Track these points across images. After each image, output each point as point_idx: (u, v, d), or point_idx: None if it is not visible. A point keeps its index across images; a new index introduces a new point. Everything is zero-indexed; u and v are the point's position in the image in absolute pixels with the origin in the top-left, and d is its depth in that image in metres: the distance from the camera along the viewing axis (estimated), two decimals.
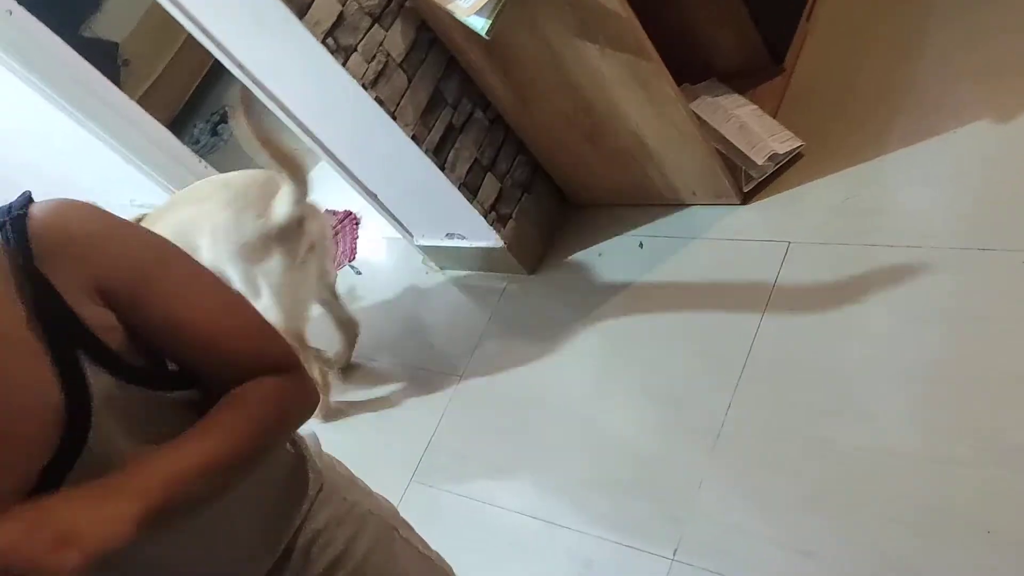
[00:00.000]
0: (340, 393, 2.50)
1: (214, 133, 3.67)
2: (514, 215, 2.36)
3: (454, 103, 2.18)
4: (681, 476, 1.81)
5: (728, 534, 1.68)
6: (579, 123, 2.15)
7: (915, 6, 2.22)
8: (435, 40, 2.10)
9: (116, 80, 3.57)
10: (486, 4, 1.78)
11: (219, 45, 2.03)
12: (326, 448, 1.06)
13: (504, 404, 2.21)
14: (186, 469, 0.77)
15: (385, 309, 2.65)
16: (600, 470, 1.94)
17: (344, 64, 1.93)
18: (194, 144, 3.67)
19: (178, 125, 3.71)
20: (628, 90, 1.99)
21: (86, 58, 2.88)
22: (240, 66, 2.08)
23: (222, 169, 3.20)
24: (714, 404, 1.86)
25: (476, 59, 2.10)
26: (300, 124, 2.21)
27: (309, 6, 1.85)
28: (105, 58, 3.52)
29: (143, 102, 3.58)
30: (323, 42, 1.88)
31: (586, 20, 1.85)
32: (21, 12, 2.60)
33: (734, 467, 1.76)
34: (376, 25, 1.98)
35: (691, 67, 2.28)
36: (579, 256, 2.39)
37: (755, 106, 2.24)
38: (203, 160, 3.09)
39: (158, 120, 3.58)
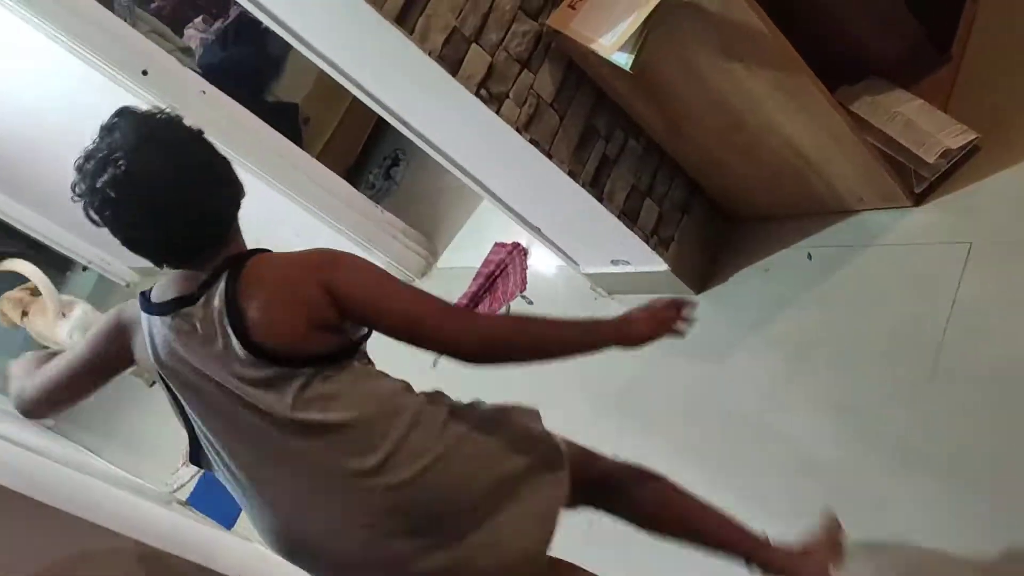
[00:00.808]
0: None
1: (387, 177, 3.90)
2: (676, 237, 2.37)
3: (607, 135, 2.22)
4: (866, 493, 1.76)
5: (913, 554, 1.62)
6: (732, 141, 2.14)
7: None
8: (583, 77, 2.16)
9: (300, 138, 3.89)
10: (628, 40, 1.82)
11: (383, 105, 2.19)
12: None
13: (678, 422, 2.22)
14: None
15: None
16: (782, 486, 1.91)
17: (498, 111, 2.02)
18: (370, 189, 3.91)
19: (354, 173, 3.97)
20: (778, 103, 1.96)
21: (272, 122, 3.17)
22: (403, 122, 2.23)
23: (400, 212, 3.42)
24: (898, 418, 1.79)
25: (624, 91, 2.14)
26: (461, 168, 2.33)
27: (461, 62, 1.96)
28: (289, 119, 3.83)
29: (323, 155, 3.88)
30: (477, 94, 1.98)
31: (729, 41, 1.85)
32: (212, 91, 2.89)
33: (923, 484, 1.70)
34: (525, 70, 2.07)
35: (847, 68, 2.22)
36: (745, 272, 2.37)
37: (921, 101, 2.14)
38: (379, 206, 3.30)
39: (337, 170, 3.87)
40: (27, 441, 3.34)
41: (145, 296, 1.40)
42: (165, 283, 1.39)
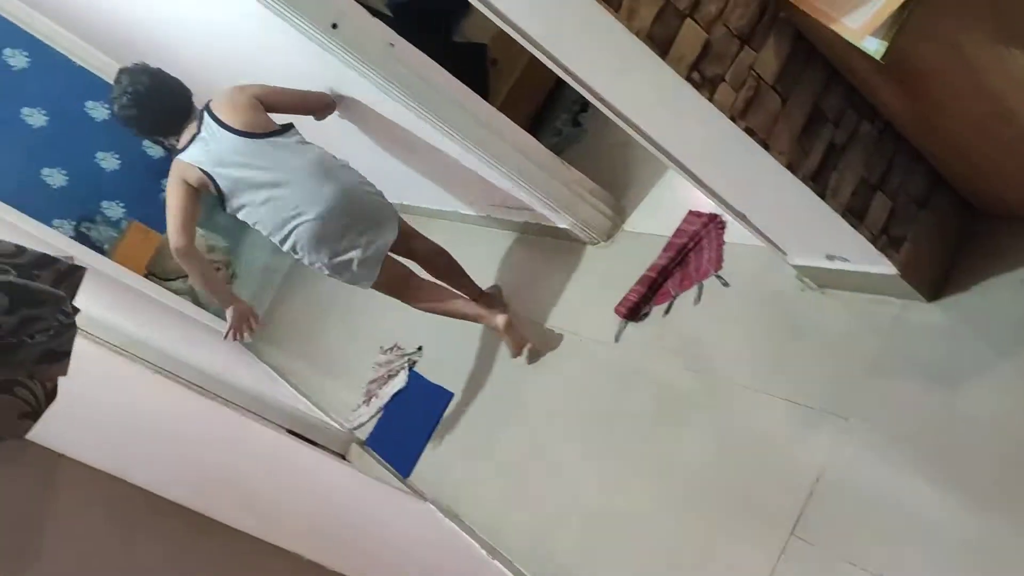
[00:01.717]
0: (693, 412, 2.40)
1: (575, 123, 3.68)
2: (909, 236, 2.04)
3: (836, 119, 1.91)
4: None
5: None
6: (996, 132, 1.77)
7: None
8: (813, 51, 1.84)
9: (487, 81, 3.73)
10: (882, 24, 1.50)
11: (580, 81, 1.97)
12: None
13: (907, 457, 1.94)
14: None
15: (754, 328, 2.47)
16: None
17: (711, 97, 1.76)
18: (556, 136, 3.71)
19: (541, 117, 3.78)
20: None
21: (460, 63, 3.02)
22: (600, 98, 2.01)
23: (586, 165, 3.21)
24: None
25: (864, 70, 1.81)
26: (658, 146, 2.09)
27: (672, 41, 1.70)
28: (476, 61, 3.67)
29: (510, 98, 3.70)
30: (688, 78, 1.73)
31: (1009, 27, 1.49)
32: (401, 43, 2.76)
33: None
34: (746, 47, 1.78)
35: None
36: (994, 280, 2.01)
37: None
38: (565, 162, 3.10)
39: (524, 114, 3.69)
40: (221, 364, 3.50)
41: None
42: None
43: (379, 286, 3.07)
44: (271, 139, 2.95)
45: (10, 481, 1.14)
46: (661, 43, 1.69)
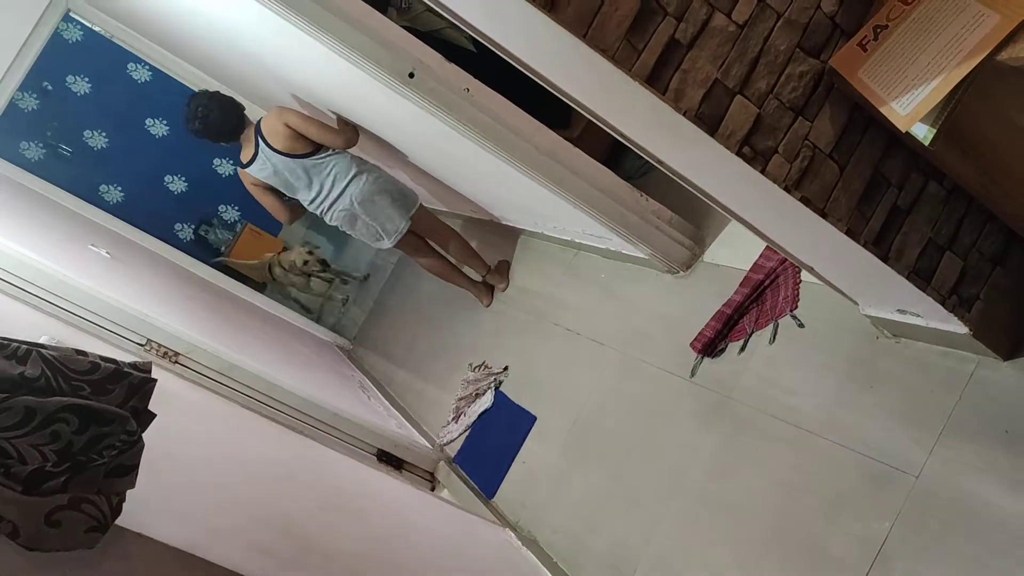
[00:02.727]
0: (758, 443, 2.39)
1: (640, 158, 3.67)
2: (982, 295, 1.98)
3: (899, 183, 1.87)
4: None
5: None
6: None
7: None
8: (871, 120, 1.81)
9: (568, 109, 3.76)
10: (931, 111, 1.47)
11: (638, 147, 2.00)
12: None
13: (980, 529, 1.90)
14: None
15: (828, 373, 2.44)
16: None
17: (763, 170, 1.76)
18: (640, 159, 3.71)
19: (619, 148, 3.78)
20: None
21: (539, 95, 3.06)
22: (658, 160, 2.03)
23: (665, 195, 3.21)
24: None
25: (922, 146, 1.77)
26: (721, 205, 2.09)
27: (722, 119, 1.71)
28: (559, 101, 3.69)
29: (588, 130, 3.72)
30: (739, 153, 1.74)
31: None
32: (476, 86, 2.83)
33: None
34: (800, 119, 1.77)
35: None
36: None
37: None
38: (643, 194, 3.12)
39: (602, 146, 3.71)
40: (319, 378, 3.69)
41: None
42: None
43: (401, 245, 4.26)
44: (303, 160, 4.03)
45: (89, 567, 1.29)
46: (710, 122, 1.70)
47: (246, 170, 4.15)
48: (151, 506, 1.48)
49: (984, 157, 1.70)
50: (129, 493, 1.36)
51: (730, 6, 1.67)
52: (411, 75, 2.72)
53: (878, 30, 1.61)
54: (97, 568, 1.30)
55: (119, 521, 1.33)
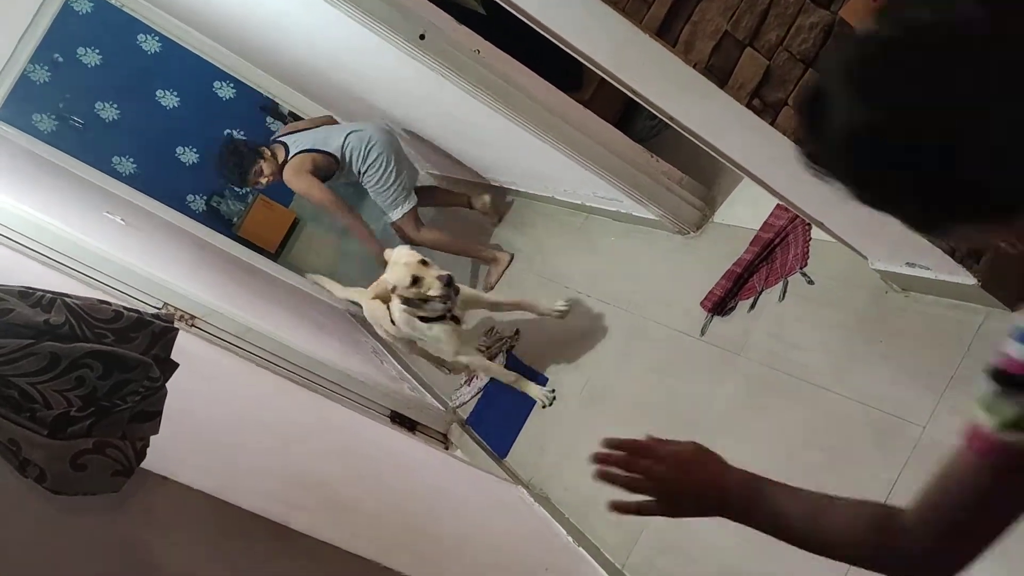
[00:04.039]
0: (761, 419, 2.42)
1: (652, 118, 3.67)
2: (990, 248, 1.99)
3: None
4: None
5: None
6: None
7: None
8: None
9: (580, 73, 3.76)
10: None
11: (650, 103, 2.01)
12: None
13: None
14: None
15: (837, 328, 2.46)
16: None
17: (773, 122, 1.77)
18: (651, 119, 3.71)
19: (632, 107, 3.78)
20: None
21: (552, 57, 3.07)
22: (669, 117, 2.04)
23: (677, 155, 3.22)
24: None
25: None
26: (731, 160, 2.10)
27: (732, 71, 1.72)
28: (570, 62, 3.69)
29: (601, 89, 3.72)
30: (748, 105, 1.75)
31: None
32: (487, 48, 2.84)
33: None
34: (810, 70, 1.77)
35: None
36: None
37: None
38: (654, 156, 3.12)
39: (615, 106, 3.71)
40: (335, 345, 3.74)
41: None
42: None
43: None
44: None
45: (115, 510, 1.33)
46: (720, 74, 1.72)
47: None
48: (173, 455, 1.52)
49: None
50: (151, 445, 1.40)
51: None
52: (422, 36, 2.73)
53: None
54: (121, 510, 1.34)
55: (144, 465, 1.37)
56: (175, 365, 1.37)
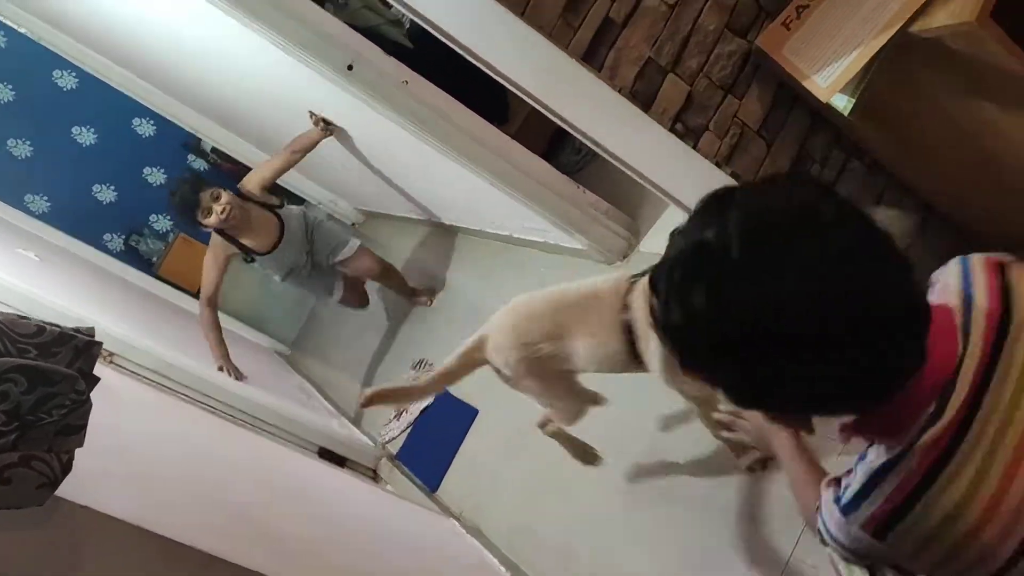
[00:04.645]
0: None
1: (577, 152, 3.76)
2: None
3: (822, 159, 1.97)
4: None
5: None
6: (981, 174, 1.82)
7: None
8: (797, 97, 1.90)
9: (507, 106, 3.82)
10: (850, 81, 1.56)
11: (576, 129, 2.05)
12: None
13: None
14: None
15: None
16: None
17: (695, 146, 1.84)
18: (576, 154, 3.79)
19: (559, 137, 3.86)
20: None
21: (480, 89, 3.11)
22: (596, 143, 2.09)
23: (602, 185, 3.29)
24: None
25: (842, 119, 1.87)
26: (657, 187, 2.16)
27: (655, 95, 1.78)
28: (497, 86, 3.76)
29: (528, 121, 3.79)
30: (672, 129, 1.81)
31: (977, 81, 1.54)
32: (415, 80, 2.87)
33: None
34: (729, 96, 1.85)
35: None
36: None
37: None
38: (580, 187, 3.18)
39: (542, 137, 3.78)
40: (259, 383, 3.66)
41: None
42: None
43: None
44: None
45: (33, 540, 1.27)
46: (644, 98, 1.77)
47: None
48: (97, 485, 1.47)
49: (898, 127, 1.80)
50: (73, 474, 1.35)
51: None
52: (350, 67, 2.74)
53: (800, 10, 1.70)
54: (43, 528, 1.29)
55: (67, 495, 1.32)
56: (97, 379, 1.33)
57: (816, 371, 0.80)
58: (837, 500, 0.97)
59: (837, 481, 1.01)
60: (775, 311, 0.79)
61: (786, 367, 0.80)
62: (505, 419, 3.30)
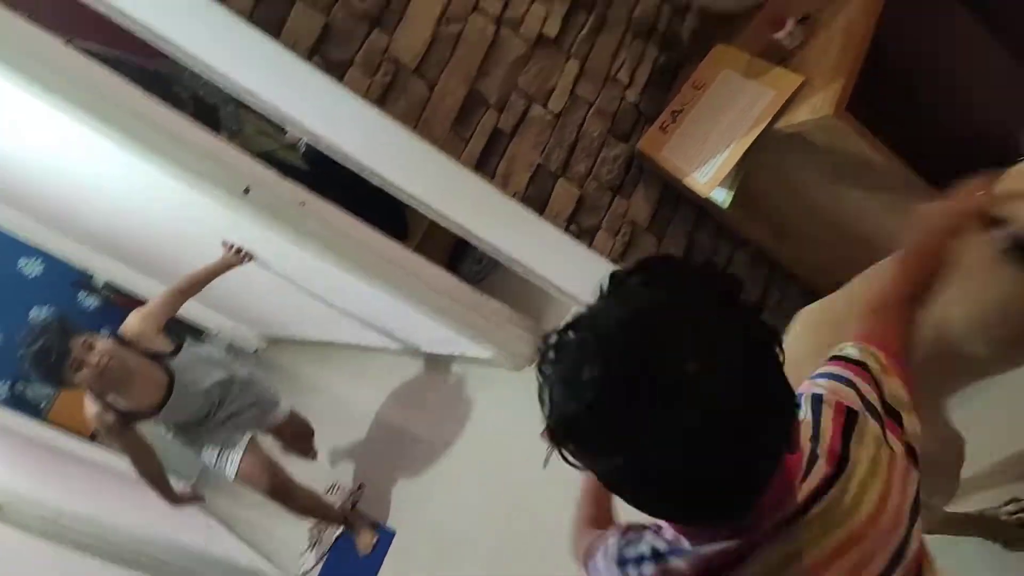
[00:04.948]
0: None
1: (478, 262, 3.83)
2: None
3: (711, 251, 2.07)
4: None
5: None
6: (852, 257, 1.94)
7: None
8: (681, 195, 2.01)
9: (405, 220, 3.89)
10: (726, 176, 1.67)
11: (472, 235, 2.11)
12: None
13: None
14: None
15: None
16: None
17: (590, 245, 1.91)
18: (478, 264, 3.85)
19: (462, 245, 3.93)
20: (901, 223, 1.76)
21: (379, 205, 3.14)
22: (497, 250, 2.14)
23: (506, 290, 3.34)
24: None
25: (720, 212, 1.99)
26: (558, 289, 2.22)
27: (548, 200, 1.85)
28: (395, 201, 3.83)
29: (430, 234, 3.85)
30: (566, 230, 1.88)
31: (840, 169, 1.67)
32: (312, 201, 2.89)
33: None
34: (618, 197, 1.94)
35: (991, 150, 1.98)
36: None
37: None
38: (484, 295, 3.23)
39: (444, 247, 3.84)
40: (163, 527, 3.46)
41: None
42: None
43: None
44: None
45: None
46: (537, 203, 1.84)
47: None
48: None
49: (774, 217, 1.92)
50: None
51: (546, 98, 1.84)
52: (247, 191, 2.76)
53: (675, 114, 1.82)
54: None
55: None
56: None
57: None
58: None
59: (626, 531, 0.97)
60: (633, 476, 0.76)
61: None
62: (424, 538, 3.22)
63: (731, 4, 1.89)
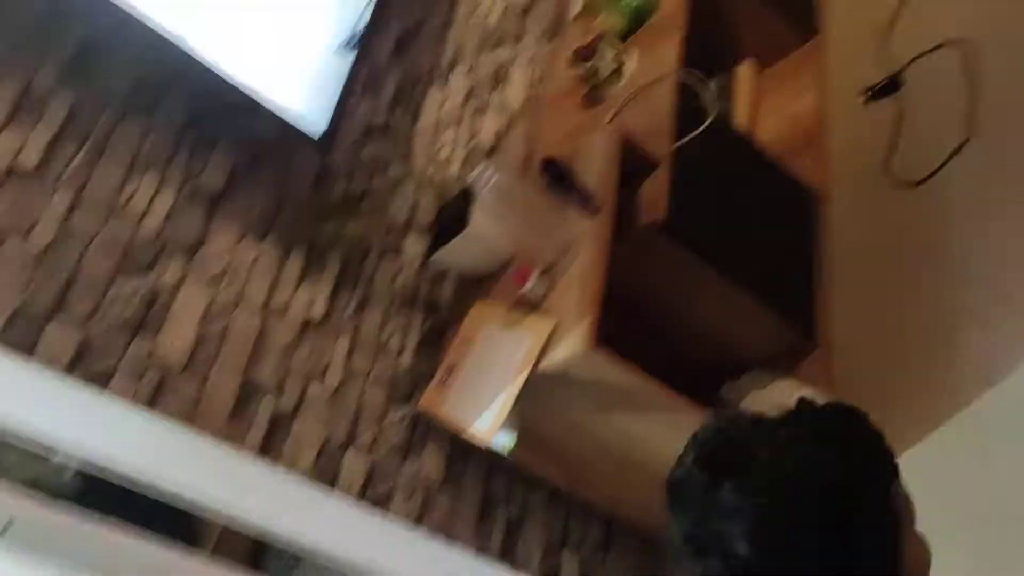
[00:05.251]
0: None
1: (279, 557, 3.64)
2: None
3: (507, 497, 2.12)
4: None
5: None
6: (633, 478, 2.06)
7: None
8: (470, 446, 2.08)
9: (190, 522, 3.63)
10: (503, 423, 1.76)
11: (270, 533, 2.02)
12: None
13: None
14: None
15: None
16: None
17: (387, 510, 1.90)
18: (279, 560, 3.64)
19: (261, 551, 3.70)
20: (668, 438, 1.91)
21: (165, 524, 2.93)
22: (294, 541, 2.06)
23: None
24: None
25: (514, 452, 2.07)
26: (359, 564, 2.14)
27: (338, 472, 1.85)
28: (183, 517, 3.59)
29: (223, 540, 3.60)
30: (363, 498, 1.86)
31: (606, 398, 1.82)
32: (91, 528, 2.67)
33: None
34: (408, 460, 1.97)
35: (727, 367, 2.23)
36: None
37: (809, 387, 2.14)
38: None
39: (241, 557, 3.60)
40: None
41: None
42: None
43: None
44: None
45: None
46: (329, 476, 1.83)
47: None
48: None
49: (558, 453, 2.02)
50: None
51: (322, 375, 1.89)
52: (5, 529, 2.51)
53: (450, 369, 1.92)
54: None
55: None
56: None
57: None
58: None
59: None
60: None
61: None
62: None
63: (481, 265, 2.08)
